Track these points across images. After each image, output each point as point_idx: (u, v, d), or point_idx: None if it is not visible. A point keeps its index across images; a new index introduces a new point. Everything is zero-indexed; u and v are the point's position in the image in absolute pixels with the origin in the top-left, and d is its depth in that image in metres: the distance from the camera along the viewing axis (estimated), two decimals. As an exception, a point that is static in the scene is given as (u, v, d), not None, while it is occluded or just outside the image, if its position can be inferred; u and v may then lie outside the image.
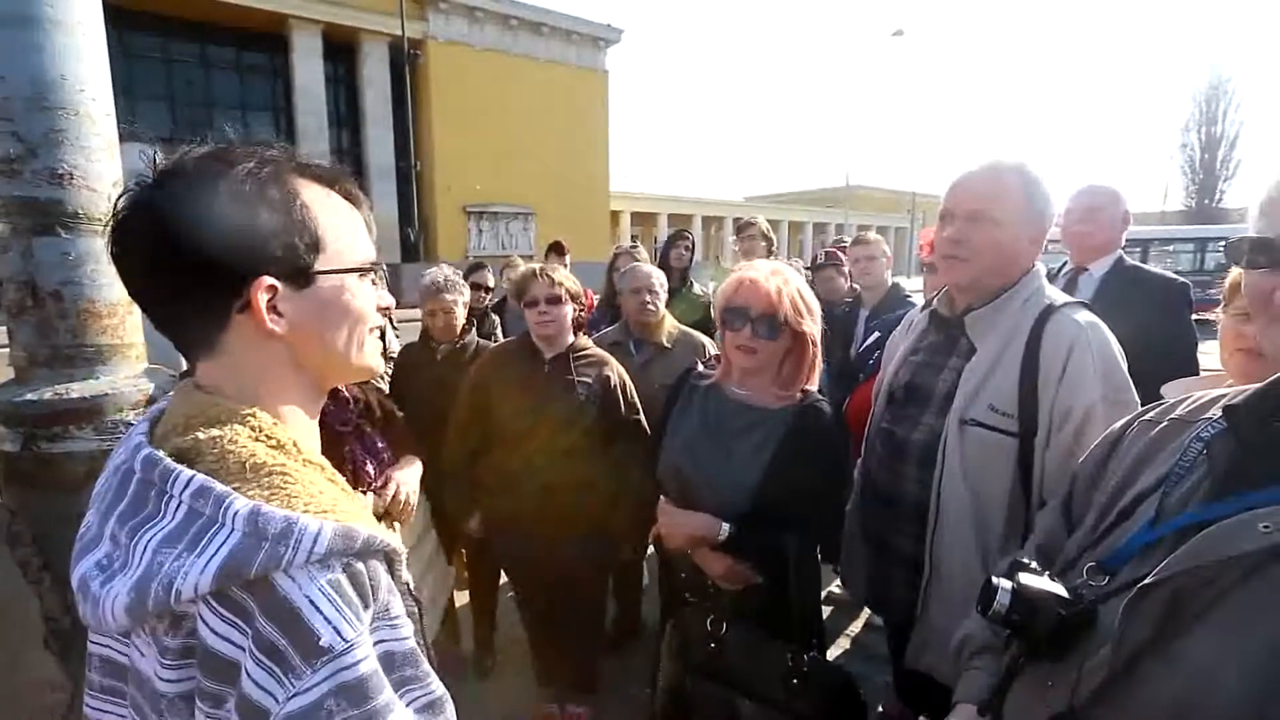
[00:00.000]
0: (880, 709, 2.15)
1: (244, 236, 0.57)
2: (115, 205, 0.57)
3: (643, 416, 2.11)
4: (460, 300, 2.50)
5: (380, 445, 1.80)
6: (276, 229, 0.58)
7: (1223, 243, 10.84)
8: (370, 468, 1.75)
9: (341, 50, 20.01)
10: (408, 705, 0.54)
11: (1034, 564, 0.80)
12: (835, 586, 2.89)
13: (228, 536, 0.49)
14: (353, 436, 1.74)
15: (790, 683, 1.36)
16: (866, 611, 2.69)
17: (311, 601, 0.49)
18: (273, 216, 0.58)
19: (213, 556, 0.49)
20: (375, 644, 0.52)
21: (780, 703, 1.36)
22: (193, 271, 0.56)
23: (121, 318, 1.60)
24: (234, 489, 0.52)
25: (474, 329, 2.61)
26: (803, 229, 38.97)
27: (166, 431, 0.58)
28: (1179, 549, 0.67)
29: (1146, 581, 0.67)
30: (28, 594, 1.46)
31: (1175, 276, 2.36)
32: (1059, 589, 0.75)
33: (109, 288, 1.55)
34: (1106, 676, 0.68)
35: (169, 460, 0.54)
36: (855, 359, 2.88)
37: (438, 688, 0.57)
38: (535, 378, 2.04)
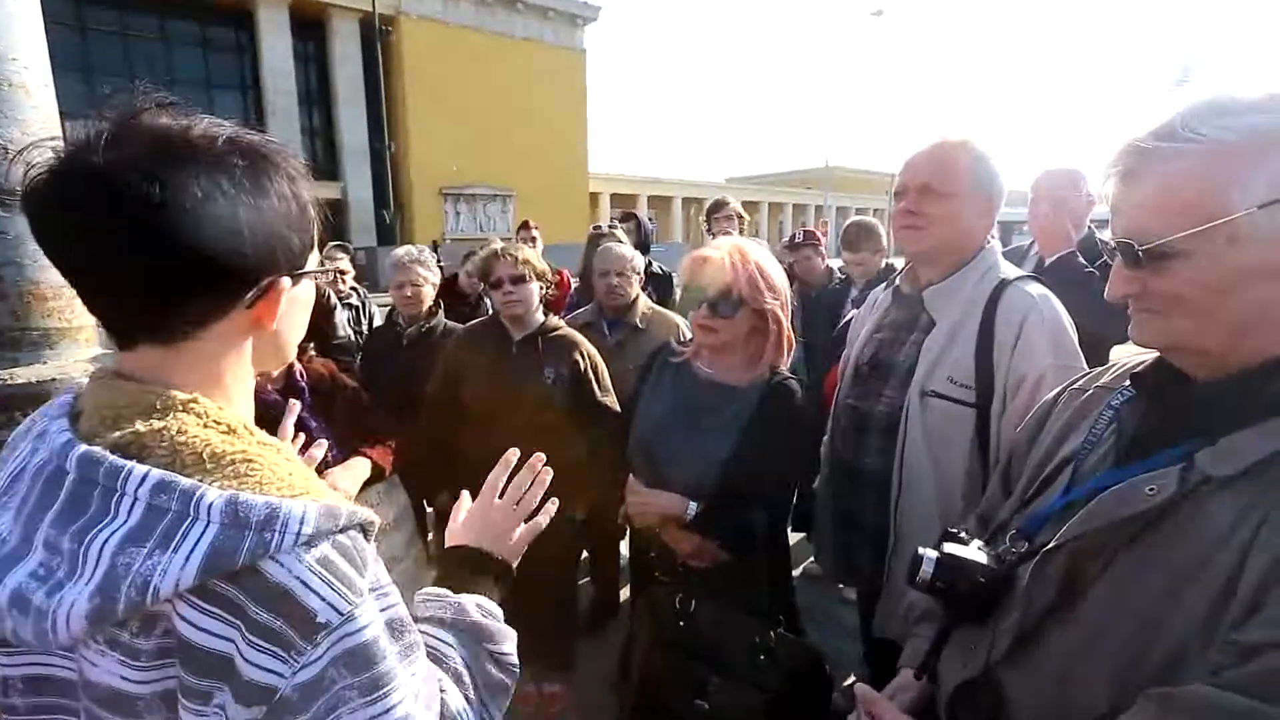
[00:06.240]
0: (852, 679, 2.20)
1: (267, 232, 0.55)
2: (55, 171, 0.50)
3: (614, 397, 2.10)
4: (430, 278, 2.47)
5: (327, 442, 1.67)
6: (293, 226, 0.57)
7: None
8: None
9: (311, 26, 19.43)
10: (412, 671, 0.54)
11: (962, 533, 0.82)
12: (810, 561, 2.94)
13: (205, 530, 0.47)
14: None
15: (758, 658, 1.37)
16: (840, 586, 2.74)
17: (303, 582, 0.48)
18: (290, 212, 0.57)
19: (192, 551, 0.46)
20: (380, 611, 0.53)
21: (748, 678, 1.37)
22: (201, 265, 0.52)
23: (69, 300, 1.54)
24: (197, 481, 0.49)
25: (441, 310, 2.58)
26: (783, 210, 39.05)
27: (94, 426, 0.53)
28: (1077, 515, 0.68)
29: (1048, 547, 0.69)
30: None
31: None
32: (980, 556, 0.77)
33: (54, 269, 1.49)
34: (1015, 638, 0.70)
35: (115, 457, 0.50)
36: (838, 337, 2.87)
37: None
38: (504, 359, 2.03)
